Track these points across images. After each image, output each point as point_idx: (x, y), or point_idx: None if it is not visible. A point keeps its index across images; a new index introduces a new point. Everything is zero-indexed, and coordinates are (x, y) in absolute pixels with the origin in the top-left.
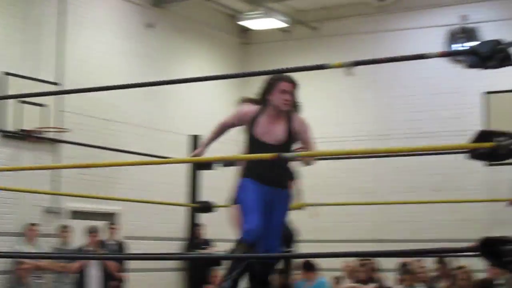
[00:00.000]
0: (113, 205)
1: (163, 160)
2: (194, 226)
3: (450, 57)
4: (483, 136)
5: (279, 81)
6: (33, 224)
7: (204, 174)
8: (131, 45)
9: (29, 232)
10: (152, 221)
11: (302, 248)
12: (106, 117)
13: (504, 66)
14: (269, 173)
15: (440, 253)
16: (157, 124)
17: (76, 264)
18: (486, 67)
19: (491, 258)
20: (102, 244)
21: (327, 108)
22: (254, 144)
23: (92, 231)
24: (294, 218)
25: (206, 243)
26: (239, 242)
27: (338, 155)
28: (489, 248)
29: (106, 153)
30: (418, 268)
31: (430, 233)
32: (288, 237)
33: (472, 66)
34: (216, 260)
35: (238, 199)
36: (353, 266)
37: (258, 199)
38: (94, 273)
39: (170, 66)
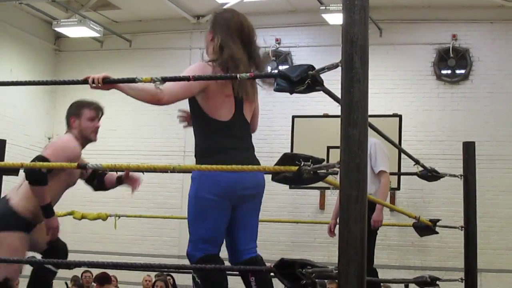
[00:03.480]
0: None
1: None
2: None
3: (259, 79)
4: (287, 159)
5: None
6: None
7: None
8: None
9: None
10: None
11: (102, 259)
12: None
13: (312, 91)
14: None
15: (237, 271)
16: None
17: None
18: (294, 92)
19: (288, 280)
20: None
21: (135, 122)
22: None
23: None
24: (94, 229)
25: None
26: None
27: (141, 170)
28: (287, 270)
29: None
30: None
31: None
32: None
33: (280, 89)
34: None
35: None
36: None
37: None
38: None
39: None
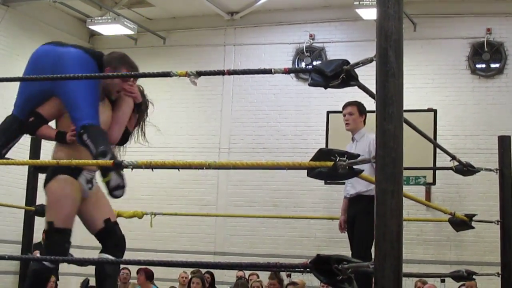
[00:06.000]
0: None
1: (4, 161)
2: (30, 229)
3: (294, 74)
4: (323, 155)
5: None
6: None
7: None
8: None
9: None
10: None
11: (138, 257)
12: None
13: (347, 86)
14: None
15: (273, 268)
16: None
17: None
18: (329, 87)
19: (324, 276)
20: None
21: (170, 119)
22: None
23: None
24: (130, 226)
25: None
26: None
27: (177, 166)
28: (323, 266)
29: None
30: (254, 282)
31: (267, 248)
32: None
33: (315, 84)
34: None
35: None
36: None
37: None
38: None
39: (14, 65)
